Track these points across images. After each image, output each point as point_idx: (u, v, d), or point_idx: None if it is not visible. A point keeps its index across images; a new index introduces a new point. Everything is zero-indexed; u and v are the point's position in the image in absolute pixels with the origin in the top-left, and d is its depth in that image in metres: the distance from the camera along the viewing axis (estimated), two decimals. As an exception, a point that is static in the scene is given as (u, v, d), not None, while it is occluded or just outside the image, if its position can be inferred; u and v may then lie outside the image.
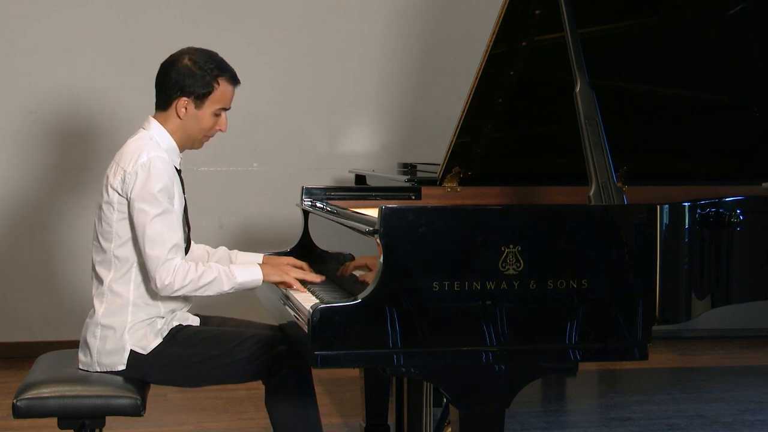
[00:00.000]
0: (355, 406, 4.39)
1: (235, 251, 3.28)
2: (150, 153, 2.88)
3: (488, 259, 2.52)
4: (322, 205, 3.49)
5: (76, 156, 5.28)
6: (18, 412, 2.80)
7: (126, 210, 2.89)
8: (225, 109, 3.02)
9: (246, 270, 2.96)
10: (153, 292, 2.93)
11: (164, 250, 2.84)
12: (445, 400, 3.18)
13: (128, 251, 2.92)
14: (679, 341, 5.95)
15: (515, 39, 3.26)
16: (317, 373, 3.29)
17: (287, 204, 4.48)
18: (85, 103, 5.29)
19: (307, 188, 3.62)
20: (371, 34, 5.67)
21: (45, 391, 2.82)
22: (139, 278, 2.93)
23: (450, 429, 2.99)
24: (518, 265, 2.53)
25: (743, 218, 2.91)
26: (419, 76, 5.75)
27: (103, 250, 2.94)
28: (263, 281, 2.98)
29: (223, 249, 3.28)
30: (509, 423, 3.35)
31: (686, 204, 2.77)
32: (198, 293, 2.90)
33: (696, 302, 2.82)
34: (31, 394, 2.81)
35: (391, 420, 3.68)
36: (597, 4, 3.27)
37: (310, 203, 3.59)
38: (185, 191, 3.06)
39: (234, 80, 3.02)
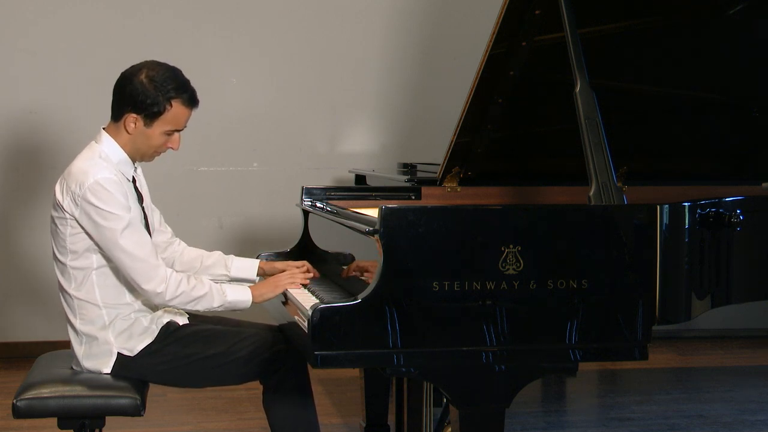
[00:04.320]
0: (355, 406, 4.39)
1: (231, 256, 3.24)
2: (96, 175, 2.82)
3: (488, 259, 2.52)
4: (322, 205, 3.49)
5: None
6: (18, 412, 2.80)
7: (77, 226, 2.84)
8: (177, 131, 2.94)
9: (237, 290, 2.94)
10: (119, 291, 2.91)
11: (145, 258, 2.82)
12: (445, 400, 3.18)
13: (84, 262, 2.88)
14: (679, 341, 5.95)
15: (515, 39, 3.26)
16: (317, 373, 3.29)
17: (287, 204, 4.48)
18: (86, 103, 5.29)
19: (307, 188, 3.62)
20: (371, 34, 5.67)
21: (45, 391, 2.82)
22: (101, 281, 2.90)
23: (450, 429, 2.99)
24: (518, 265, 2.53)
25: (743, 218, 2.91)
26: (419, 77, 5.75)
27: (61, 263, 2.92)
28: (255, 302, 2.95)
29: (218, 254, 3.25)
30: (509, 423, 3.35)
31: (686, 204, 2.76)
32: (188, 306, 2.89)
33: (696, 302, 2.82)
34: (31, 394, 2.81)
35: (391, 420, 3.68)
36: (597, 4, 3.27)
37: (310, 203, 3.59)
38: (143, 200, 3.02)
39: (191, 102, 2.92)
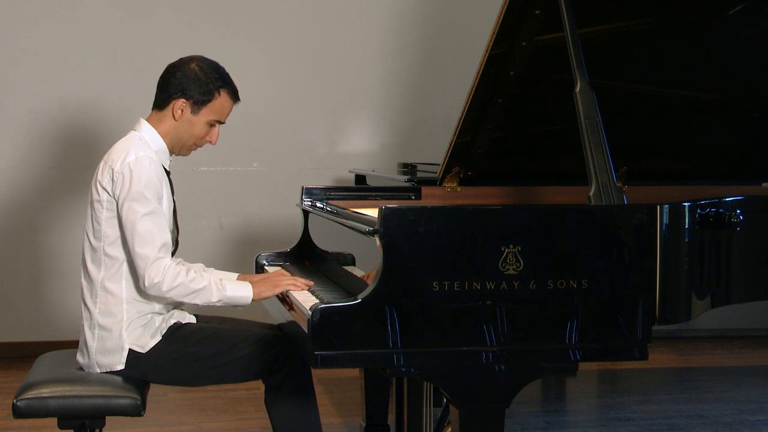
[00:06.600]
0: (355, 406, 4.39)
1: (210, 269, 3.23)
2: (138, 152, 2.89)
3: (488, 259, 2.52)
4: (322, 205, 3.49)
5: (76, 156, 5.28)
6: (18, 412, 2.80)
7: (115, 209, 2.89)
8: (219, 122, 3.03)
9: (237, 286, 2.95)
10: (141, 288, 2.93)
11: (154, 249, 2.84)
12: (445, 400, 3.18)
13: (118, 250, 2.91)
14: (679, 341, 5.95)
15: (515, 39, 3.26)
16: (317, 373, 3.29)
17: (287, 204, 4.48)
18: (86, 103, 5.29)
19: (307, 188, 3.62)
20: (371, 35, 5.67)
21: (45, 391, 2.82)
22: (130, 275, 2.92)
23: (450, 429, 2.99)
24: (518, 265, 2.53)
25: (743, 218, 2.91)
26: (419, 77, 5.75)
27: (93, 248, 2.94)
28: (254, 299, 2.95)
29: (198, 266, 3.24)
30: (509, 423, 3.35)
31: (686, 204, 2.76)
32: (186, 299, 2.89)
33: (696, 302, 2.81)
34: (31, 394, 2.81)
35: (391, 420, 3.68)
36: (597, 4, 3.27)
37: (310, 203, 3.59)
38: (175, 193, 3.05)
39: (234, 96, 3.05)
